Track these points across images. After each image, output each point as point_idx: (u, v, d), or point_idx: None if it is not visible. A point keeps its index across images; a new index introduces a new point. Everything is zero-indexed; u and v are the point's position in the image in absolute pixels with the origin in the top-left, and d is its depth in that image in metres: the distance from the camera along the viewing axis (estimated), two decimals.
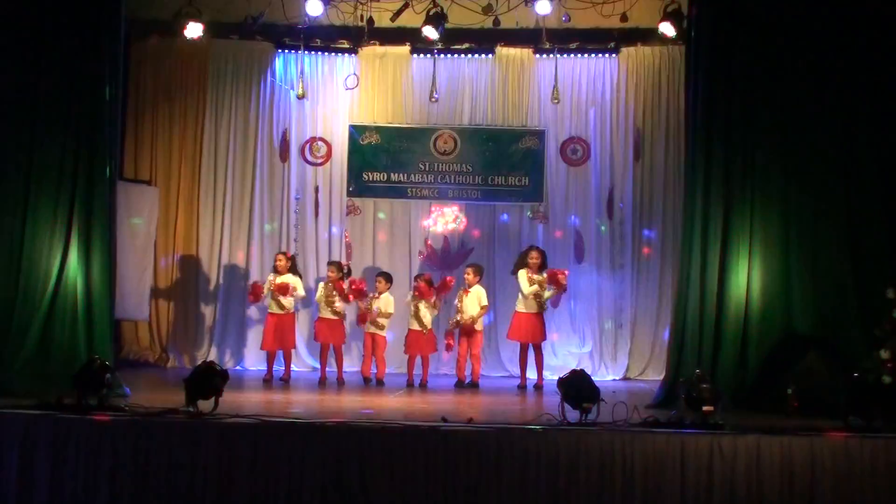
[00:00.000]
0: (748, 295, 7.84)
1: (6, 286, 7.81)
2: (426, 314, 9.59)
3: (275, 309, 9.73)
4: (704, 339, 7.84)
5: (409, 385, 9.50)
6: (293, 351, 10.17)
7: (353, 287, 9.73)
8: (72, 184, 7.99)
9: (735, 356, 7.78)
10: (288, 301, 9.70)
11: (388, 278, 9.90)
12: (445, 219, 11.29)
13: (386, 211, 11.38)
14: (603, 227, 11.10)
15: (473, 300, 9.68)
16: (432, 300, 9.61)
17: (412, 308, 9.65)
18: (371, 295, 9.73)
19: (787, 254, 7.88)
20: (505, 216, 11.29)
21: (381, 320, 9.70)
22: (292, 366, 9.97)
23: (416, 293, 9.61)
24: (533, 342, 9.68)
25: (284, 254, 10.04)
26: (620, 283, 11.05)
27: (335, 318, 9.77)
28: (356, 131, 11.35)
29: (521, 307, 9.67)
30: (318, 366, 10.11)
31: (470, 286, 9.73)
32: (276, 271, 9.80)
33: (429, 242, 11.19)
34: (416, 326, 9.62)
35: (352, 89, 11.17)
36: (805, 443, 5.98)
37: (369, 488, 5.93)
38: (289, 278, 9.75)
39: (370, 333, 9.76)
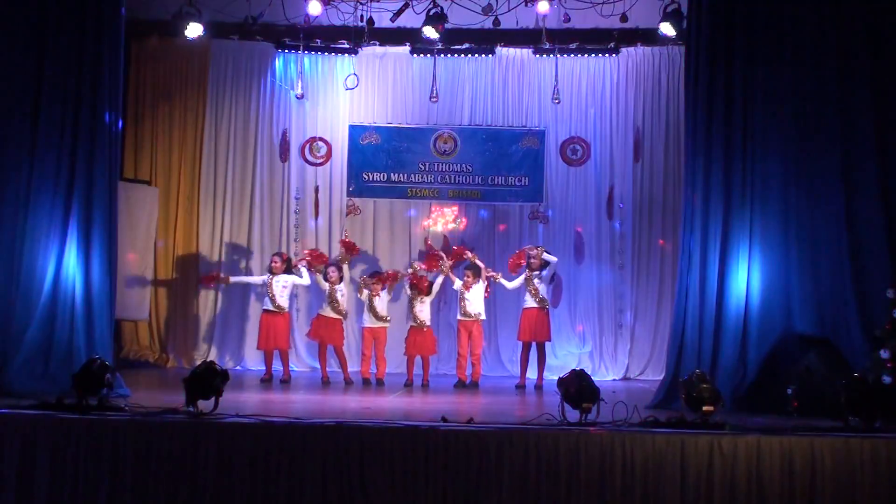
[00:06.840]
0: (748, 295, 7.83)
1: (6, 286, 7.80)
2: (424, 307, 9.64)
3: (268, 307, 9.76)
4: (704, 339, 7.83)
5: (409, 385, 9.51)
6: (293, 351, 10.15)
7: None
8: (72, 184, 7.99)
9: (735, 356, 7.76)
10: (281, 298, 9.74)
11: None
12: (445, 219, 11.28)
13: (386, 211, 11.37)
14: (602, 228, 11.12)
15: (478, 296, 9.68)
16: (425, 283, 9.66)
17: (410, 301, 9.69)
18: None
19: (787, 254, 7.87)
20: (504, 216, 11.27)
21: (383, 313, 9.69)
22: (292, 366, 9.97)
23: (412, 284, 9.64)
24: (536, 340, 9.68)
25: (280, 255, 10.07)
26: (620, 283, 11.07)
27: (336, 316, 9.73)
28: (356, 131, 11.36)
29: (526, 303, 9.71)
30: (317, 366, 10.10)
31: (470, 287, 9.72)
32: (272, 272, 9.81)
33: (429, 242, 11.19)
34: (415, 324, 9.64)
35: (352, 89, 11.17)
36: (805, 443, 5.97)
37: (369, 488, 5.93)
38: (283, 278, 9.80)
39: (371, 328, 9.69)
